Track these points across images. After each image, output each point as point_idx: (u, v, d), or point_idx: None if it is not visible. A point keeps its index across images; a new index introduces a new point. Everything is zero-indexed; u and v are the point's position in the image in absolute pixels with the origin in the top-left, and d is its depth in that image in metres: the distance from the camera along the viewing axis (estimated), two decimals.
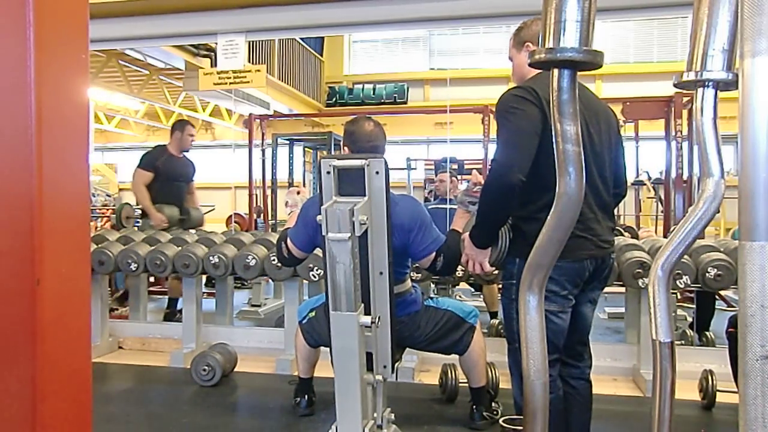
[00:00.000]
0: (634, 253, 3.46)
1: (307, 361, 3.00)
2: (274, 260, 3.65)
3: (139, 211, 5.26)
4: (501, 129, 2.02)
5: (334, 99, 13.23)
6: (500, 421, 2.47)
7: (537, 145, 1.92)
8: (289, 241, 2.57)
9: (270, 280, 5.54)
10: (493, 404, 2.94)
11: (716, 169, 1.11)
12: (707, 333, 4.12)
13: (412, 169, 11.24)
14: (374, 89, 13.18)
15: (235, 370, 3.71)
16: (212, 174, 11.82)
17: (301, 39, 11.44)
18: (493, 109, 2.36)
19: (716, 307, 5.02)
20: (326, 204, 1.92)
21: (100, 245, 4.02)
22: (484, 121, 6.68)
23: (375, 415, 2.17)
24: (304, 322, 2.90)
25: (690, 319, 5.02)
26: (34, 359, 0.85)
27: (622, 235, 4.38)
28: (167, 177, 5.04)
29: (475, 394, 2.90)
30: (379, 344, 2.13)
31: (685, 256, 3.13)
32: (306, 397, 3.02)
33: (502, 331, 4.10)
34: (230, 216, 8.79)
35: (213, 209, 8.98)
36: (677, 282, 3.32)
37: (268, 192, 7.98)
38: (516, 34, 2.26)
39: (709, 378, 3.10)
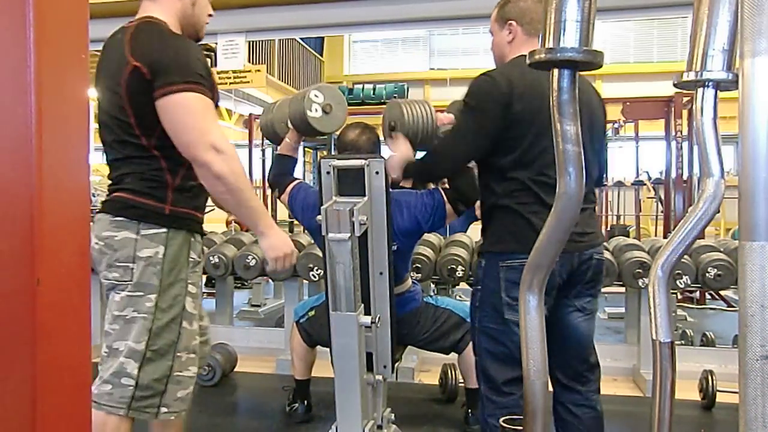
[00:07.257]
0: (634, 253, 3.47)
1: (303, 361, 2.98)
2: None
3: None
4: (461, 117, 1.99)
5: None
6: (500, 421, 2.47)
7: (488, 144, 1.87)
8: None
9: (270, 280, 5.53)
10: None
11: (716, 169, 1.11)
12: (707, 333, 4.10)
13: None
14: (374, 89, 13.15)
15: (235, 370, 3.71)
16: None
17: (301, 39, 11.44)
18: None
19: (715, 307, 4.99)
20: (326, 204, 1.92)
21: None
22: None
23: (375, 415, 2.17)
24: (302, 321, 2.90)
25: (690, 319, 5.01)
26: (34, 359, 0.85)
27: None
28: None
29: (470, 396, 2.88)
30: (379, 344, 2.13)
31: (685, 256, 3.13)
32: (305, 402, 2.97)
33: None
34: (230, 216, 8.77)
35: (213, 209, 8.96)
36: (677, 282, 3.32)
37: (268, 192, 7.97)
38: (500, 8, 2.00)
39: (709, 378, 3.10)
